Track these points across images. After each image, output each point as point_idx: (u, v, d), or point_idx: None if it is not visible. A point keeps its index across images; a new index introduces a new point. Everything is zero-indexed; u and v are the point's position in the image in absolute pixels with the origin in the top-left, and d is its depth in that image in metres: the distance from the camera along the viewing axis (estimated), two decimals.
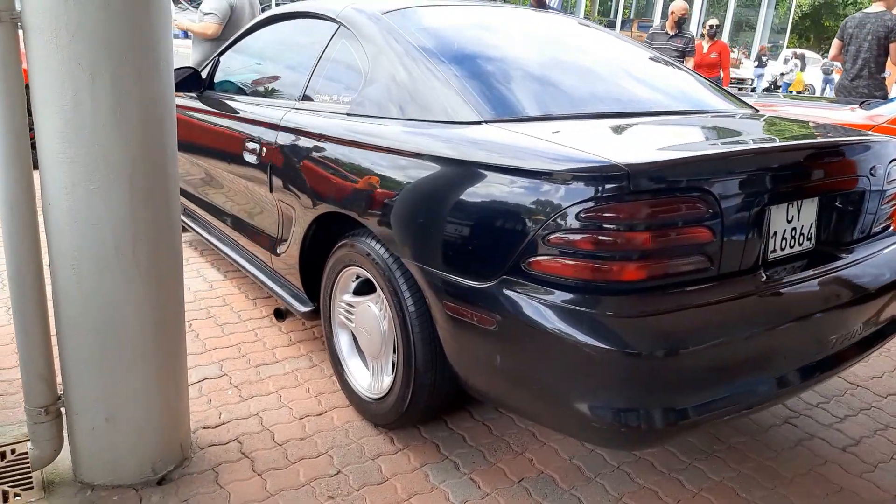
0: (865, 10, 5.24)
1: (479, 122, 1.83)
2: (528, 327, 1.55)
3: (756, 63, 20.63)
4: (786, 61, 18.26)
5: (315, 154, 2.25)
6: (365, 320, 2.14)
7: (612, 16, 25.16)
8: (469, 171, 1.71)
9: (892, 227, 2.17)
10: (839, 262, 1.88)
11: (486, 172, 1.68)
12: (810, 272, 1.79)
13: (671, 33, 6.75)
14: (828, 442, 2.22)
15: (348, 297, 2.23)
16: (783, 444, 2.19)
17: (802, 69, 17.66)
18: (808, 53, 21.74)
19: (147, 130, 1.61)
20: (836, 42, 5.39)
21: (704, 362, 1.54)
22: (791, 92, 16.62)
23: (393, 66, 2.10)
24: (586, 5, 24.33)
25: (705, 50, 7.50)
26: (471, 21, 2.52)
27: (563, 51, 2.49)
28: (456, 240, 1.71)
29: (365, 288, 2.16)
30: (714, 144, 1.88)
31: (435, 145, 1.82)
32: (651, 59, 2.72)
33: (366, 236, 2.05)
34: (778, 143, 1.86)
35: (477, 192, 1.68)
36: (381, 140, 1.98)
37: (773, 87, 18.01)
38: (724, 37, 25.56)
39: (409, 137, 1.91)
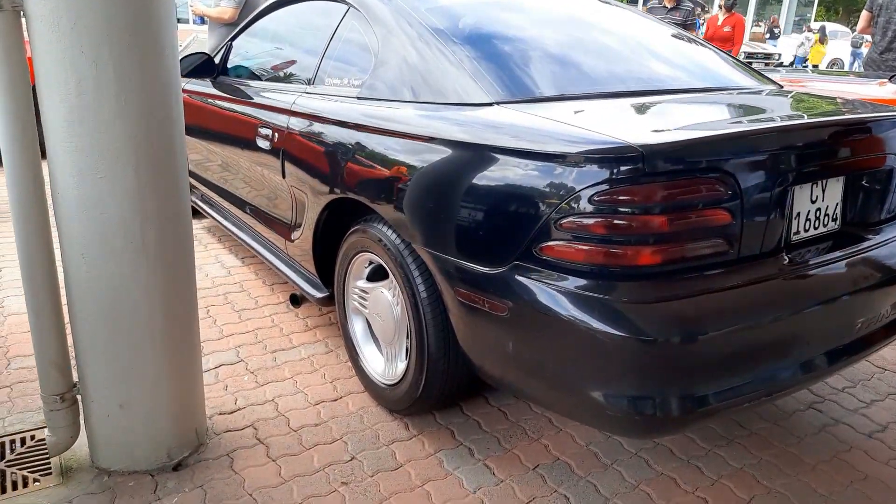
0: None
1: (490, 104, 1.78)
2: (540, 314, 1.52)
3: (768, 36, 20.11)
4: (822, 32, 17.67)
5: (325, 139, 2.23)
6: (378, 306, 2.13)
7: None
8: (479, 154, 1.67)
9: None
10: (866, 244, 1.81)
11: (496, 155, 1.64)
12: (836, 254, 1.73)
13: (669, 6, 6.53)
14: (853, 428, 2.16)
15: (362, 283, 2.21)
16: (807, 430, 2.14)
17: (822, 42, 17.07)
18: (836, 27, 21.08)
19: (153, 117, 1.59)
20: (864, 14, 5.21)
21: (724, 348, 1.49)
22: (808, 66, 16.11)
23: (403, 47, 2.06)
24: None
25: (720, 22, 7.27)
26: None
27: (580, 28, 2.43)
28: (466, 225, 1.68)
29: (378, 274, 2.14)
30: (734, 123, 1.81)
31: (445, 128, 1.78)
32: (673, 35, 2.65)
33: (377, 222, 2.03)
34: (800, 120, 1.79)
35: (487, 176, 1.64)
36: (391, 124, 1.95)
37: (802, 63, 17.50)
38: (750, 10, 24.96)
39: (420, 121, 1.87)
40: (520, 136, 1.62)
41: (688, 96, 2.06)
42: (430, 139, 1.80)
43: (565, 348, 1.51)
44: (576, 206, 1.46)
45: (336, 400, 2.24)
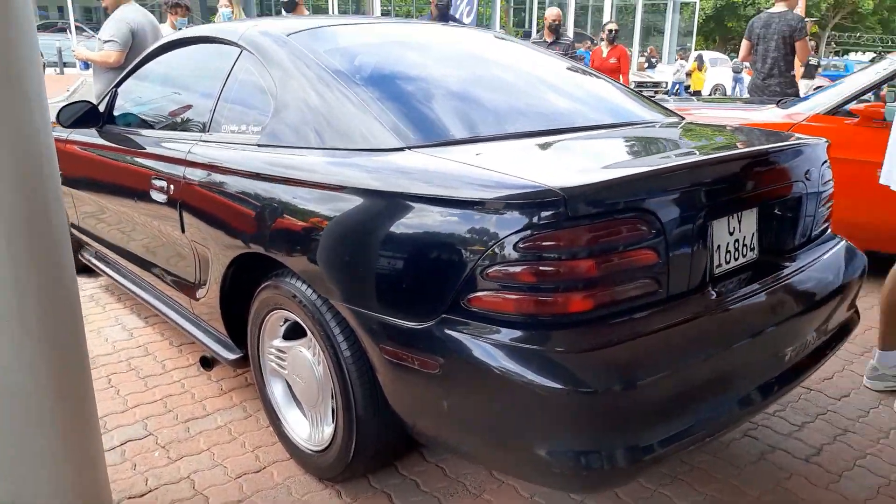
0: (769, 11, 5.38)
1: (401, 149, 1.70)
2: (474, 369, 1.44)
3: (646, 65, 21.49)
4: (700, 60, 18.88)
5: (227, 190, 2.09)
6: (298, 367, 1.99)
7: (526, 26, 25.50)
8: (395, 202, 1.59)
9: (829, 231, 2.15)
10: (785, 271, 1.84)
11: (413, 204, 1.55)
12: (757, 285, 1.74)
13: (549, 41, 6.73)
14: (790, 453, 2.17)
15: (278, 343, 2.07)
16: (746, 459, 2.13)
17: (701, 69, 18.28)
18: (715, 54, 22.50)
19: (21, 180, 1.42)
20: (745, 43, 5.53)
21: (664, 392, 1.45)
22: (691, 93, 17.18)
23: (304, 91, 1.95)
24: (501, 17, 24.57)
25: (605, 55, 7.56)
26: (384, 39, 2.40)
27: (484, 67, 2.40)
28: (387, 279, 1.59)
29: (295, 332, 2.00)
30: (649, 160, 1.81)
31: (355, 176, 1.69)
32: (572, 69, 2.66)
33: (290, 277, 1.89)
34: (714, 154, 1.80)
35: (405, 226, 1.56)
36: (298, 172, 1.84)
37: (686, 90, 18.62)
38: (635, 41, 26.40)
39: (328, 169, 1.77)
40: (436, 182, 1.55)
41: (599, 133, 2.05)
42: (341, 188, 1.70)
43: (503, 404, 1.43)
44: (500, 254, 1.40)
45: (259, 471, 2.07)
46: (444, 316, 1.49)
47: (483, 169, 1.54)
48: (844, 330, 2.05)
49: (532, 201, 1.38)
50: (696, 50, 24.76)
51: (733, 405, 1.61)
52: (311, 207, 1.78)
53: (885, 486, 2.00)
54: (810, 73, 13.67)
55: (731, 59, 19.67)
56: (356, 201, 1.67)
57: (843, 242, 2.14)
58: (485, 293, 1.43)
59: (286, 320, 2.03)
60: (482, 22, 23.29)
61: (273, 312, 2.04)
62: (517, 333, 1.41)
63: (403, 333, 1.55)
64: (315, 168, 1.80)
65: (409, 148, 1.70)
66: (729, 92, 18.28)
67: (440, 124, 1.88)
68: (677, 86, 17.94)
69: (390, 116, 1.80)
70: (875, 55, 32.08)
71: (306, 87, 1.95)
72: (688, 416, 1.50)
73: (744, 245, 1.77)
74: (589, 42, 16.01)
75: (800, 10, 9.71)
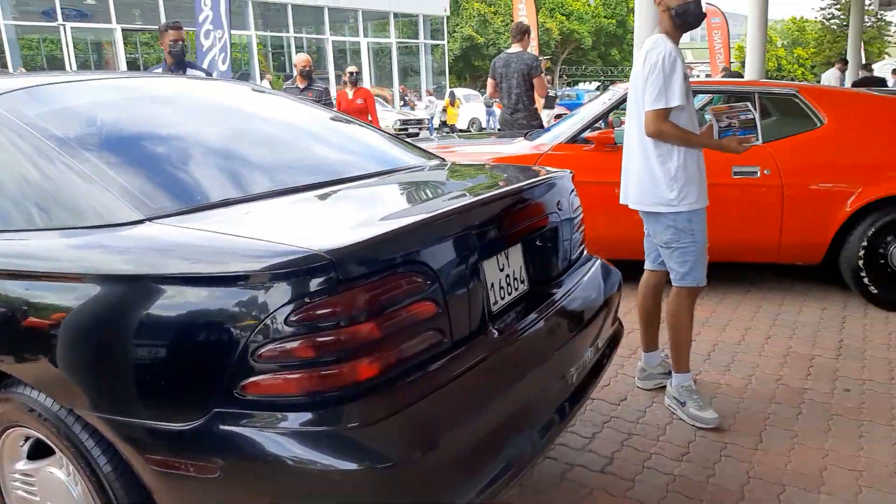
0: (507, 51, 5.83)
1: (140, 221, 1.48)
2: (261, 466, 1.28)
3: (402, 103, 22.71)
4: (452, 97, 20.23)
5: None
6: (51, 491, 1.68)
7: (287, 71, 25.34)
8: (137, 286, 1.39)
9: (585, 252, 2.31)
10: (555, 297, 1.92)
11: (160, 286, 1.37)
12: (534, 315, 1.79)
13: (301, 87, 6.78)
14: (587, 467, 2.26)
15: (22, 465, 1.74)
16: (549, 483, 2.18)
17: (454, 105, 19.68)
18: (468, 91, 24.19)
19: None
20: (490, 81, 5.95)
21: (468, 442, 1.42)
22: (446, 127, 18.53)
23: (12, 164, 1.66)
24: (260, 62, 24.13)
25: (350, 96, 7.76)
26: (114, 97, 2.13)
27: (235, 121, 2.23)
28: (141, 376, 1.38)
29: (42, 450, 1.68)
30: (416, 209, 1.79)
31: (86, 259, 1.47)
32: (332, 118, 2.61)
33: (23, 387, 1.59)
34: (476, 198, 1.81)
35: (154, 312, 1.36)
36: (8, 261, 1.57)
37: (442, 125, 19.84)
38: (395, 82, 27.55)
39: (47, 253, 1.53)
40: (185, 257, 1.39)
41: (364, 183, 1.99)
42: (71, 276, 1.47)
43: (302, 498, 1.30)
44: (272, 330, 1.27)
45: None
46: (216, 410, 1.31)
47: (240, 237, 1.40)
48: (614, 340, 2.21)
49: (299, 268, 1.27)
50: (449, 87, 26.36)
51: (535, 435, 1.63)
52: (35, 301, 1.52)
53: (672, 483, 2.17)
54: (550, 103, 15.23)
55: (482, 95, 21.32)
56: (91, 290, 1.44)
57: (599, 261, 2.30)
58: (261, 377, 1.29)
59: (27, 438, 1.71)
60: (240, 68, 22.62)
61: (9, 431, 1.71)
62: (305, 416, 1.29)
63: (170, 438, 1.35)
64: (32, 254, 1.55)
65: (150, 219, 1.49)
66: (484, 125, 19.93)
67: (185, 188, 1.70)
68: (428, 121, 19.12)
69: (121, 184, 1.57)
70: (599, 84, 36.73)
71: (17, 158, 1.66)
72: (495, 458, 1.49)
73: (514, 279, 1.82)
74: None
75: (533, 48, 10.72)
